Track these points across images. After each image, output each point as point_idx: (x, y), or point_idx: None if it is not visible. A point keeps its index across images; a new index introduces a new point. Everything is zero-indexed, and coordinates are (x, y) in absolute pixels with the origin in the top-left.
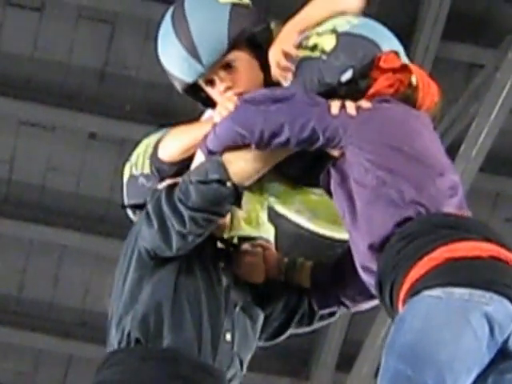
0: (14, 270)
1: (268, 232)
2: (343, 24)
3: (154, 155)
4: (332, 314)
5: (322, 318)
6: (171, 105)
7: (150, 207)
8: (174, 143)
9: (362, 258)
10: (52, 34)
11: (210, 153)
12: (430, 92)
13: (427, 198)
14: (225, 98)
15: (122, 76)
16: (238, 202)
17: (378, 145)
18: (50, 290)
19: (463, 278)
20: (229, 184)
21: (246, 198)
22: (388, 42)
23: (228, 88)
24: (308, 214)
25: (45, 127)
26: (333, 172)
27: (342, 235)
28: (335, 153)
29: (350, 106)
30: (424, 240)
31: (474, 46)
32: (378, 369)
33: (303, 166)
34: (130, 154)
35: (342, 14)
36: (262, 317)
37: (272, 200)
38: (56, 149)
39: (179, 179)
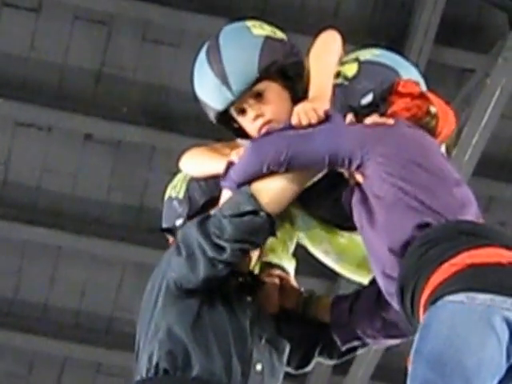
0: (9, 272)
1: (289, 263)
2: (365, 54)
3: (191, 181)
4: (353, 350)
5: (343, 354)
6: (168, 106)
7: (179, 238)
8: (194, 166)
9: (383, 264)
10: (48, 34)
11: (238, 186)
12: (448, 120)
13: (445, 205)
14: (254, 128)
15: (118, 77)
16: (272, 230)
17: (395, 157)
18: (45, 291)
19: (485, 283)
20: (262, 213)
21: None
22: (407, 70)
23: (258, 116)
24: (335, 256)
25: (41, 128)
26: (356, 190)
27: (365, 279)
28: (360, 178)
29: (368, 121)
30: (446, 246)
31: (466, 51)
32: (373, 372)
33: (332, 207)
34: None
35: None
36: (287, 348)
37: (301, 236)
38: (52, 150)
39: (209, 213)
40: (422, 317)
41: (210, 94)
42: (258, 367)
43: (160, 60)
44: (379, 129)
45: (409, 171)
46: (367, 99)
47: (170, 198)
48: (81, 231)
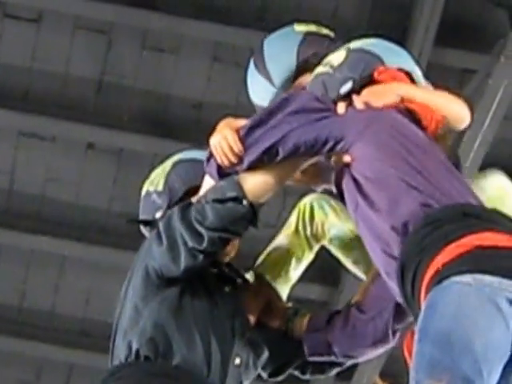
0: (14, 281)
1: (284, 286)
2: (359, 43)
3: (169, 174)
4: (323, 371)
5: (316, 371)
6: (169, 114)
7: (161, 226)
8: None
9: (384, 242)
10: (49, 45)
11: (220, 176)
12: (428, 111)
13: (444, 185)
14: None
15: (119, 86)
16: (254, 220)
17: (389, 138)
18: (51, 299)
19: (493, 266)
20: (245, 202)
21: (290, 245)
22: (397, 59)
23: None
24: (364, 266)
25: (44, 138)
26: (346, 171)
27: None
28: (347, 159)
29: (357, 101)
30: (451, 227)
31: (467, 52)
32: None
33: None
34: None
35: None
36: (265, 356)
37: (334, 246)
38: (55, 159)
39: (190, 200)
40: (423, 296)
41: (259, 93)
42: (237, 361)
43: (160, 67)
44: (370, 111)
45: (404, 153)
46: (346, 87)
47: (147, 193)
48: (85, 239)
